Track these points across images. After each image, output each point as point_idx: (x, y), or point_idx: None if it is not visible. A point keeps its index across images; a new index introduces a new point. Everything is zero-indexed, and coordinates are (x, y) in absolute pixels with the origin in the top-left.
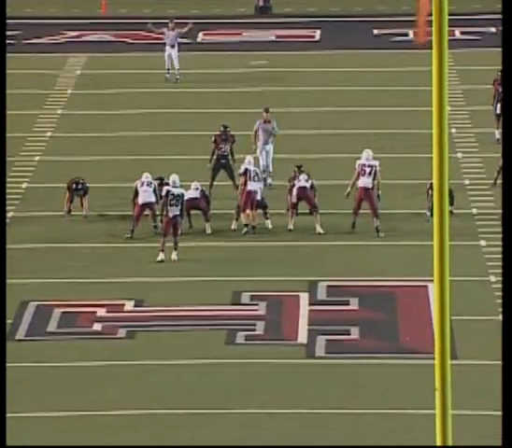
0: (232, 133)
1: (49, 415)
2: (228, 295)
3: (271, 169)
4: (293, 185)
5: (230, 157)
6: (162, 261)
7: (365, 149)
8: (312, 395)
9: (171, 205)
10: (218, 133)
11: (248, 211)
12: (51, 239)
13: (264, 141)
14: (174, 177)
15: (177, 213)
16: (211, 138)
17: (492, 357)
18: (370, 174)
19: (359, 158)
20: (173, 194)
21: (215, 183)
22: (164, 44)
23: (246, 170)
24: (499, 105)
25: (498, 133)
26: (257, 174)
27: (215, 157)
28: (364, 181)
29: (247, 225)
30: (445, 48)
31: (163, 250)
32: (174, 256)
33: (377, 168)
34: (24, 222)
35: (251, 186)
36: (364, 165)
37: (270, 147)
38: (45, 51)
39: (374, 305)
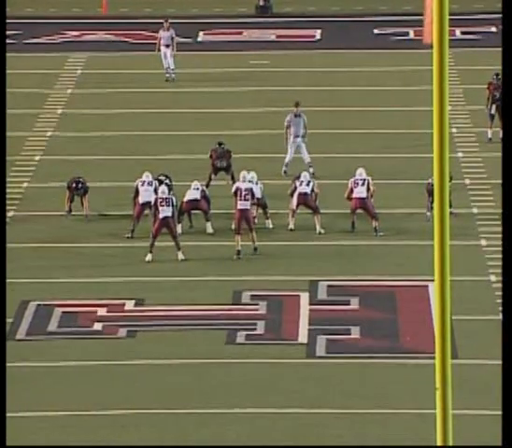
0: (227, 148)
1: (50, 415)
2: (228, 295)
3: (309, 159)
4: (295, 187)
5: (229, 166)
6: (149, 262)
7: (358, 168)
8: (312, 395)
9: (162, 206)
10: (214, 147)
11: (237, 237)
12: (52, 239)
13: (295, 134)
14: (163, 188)
15: (169, 214)
16: (208, 153)
17: (492, 357)
18: (363, 185)
19: (353, 175)
20: (162, 197)
21: (215, 183)
22: (155, 44)
23: (237, 190)
24: (494, 106)
25: (490, 133)
26: (248, 190)
27: (213, 170)
28: (358, 191)
29: (239, 251)
30: (445, 48)
31: (151, 251)
32: (180, 256)
33: (370, 181)
34: (25, 222)
35: (241, 205)
36: (357, 179)
37: (300, 141)
38: (45, 51)
39: (374, 305)
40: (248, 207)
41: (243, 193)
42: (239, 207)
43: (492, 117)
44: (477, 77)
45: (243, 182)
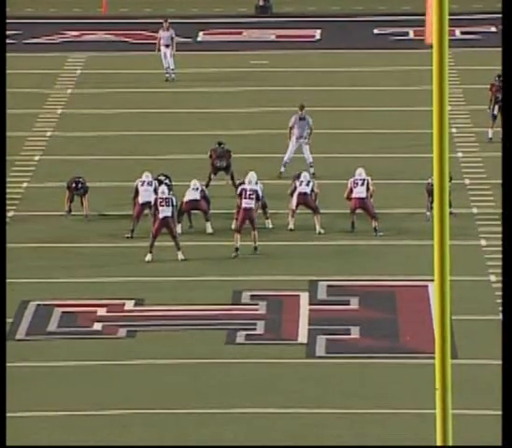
0: (227, 148)
1: (50, 415)
2: (228, 295)
3: (311, 159)
4: (295, 187)
5: (228, 166)
6: (149, 262)
7: (358, 168)
8: (312, 395)
9: (161, 206)
10: (214, 147)
11: (236, 235)
12: (52, 239)
13: (298, 136)
14: (163, 188)
15: (169, 214)
16: (207, 153)
17: (492, 357)
18: (362, 185)
19: (353, 175)
20: (162, 197)
21: (214, 183)
22: (155, 44)
23: (242, 191)
24: (497, 107)
25: (491, 133)
26: (253, 191)
27: (213, 170)
28: (358, 190)
29: (237, 248)
30: (445, 48)
31: (151, 251)
32: (180, 256)
33: (370, 181)
34: (25, 222)
35: (246, 203)
36: (357, 179)
37: (303, 142)
38: (45, 51)
39: (374, 305)
40: (253, 206)
41: (248, 193)
42: (244, 205)
43: (495, 117)
44: (477, 77)
45: (249, 184)
